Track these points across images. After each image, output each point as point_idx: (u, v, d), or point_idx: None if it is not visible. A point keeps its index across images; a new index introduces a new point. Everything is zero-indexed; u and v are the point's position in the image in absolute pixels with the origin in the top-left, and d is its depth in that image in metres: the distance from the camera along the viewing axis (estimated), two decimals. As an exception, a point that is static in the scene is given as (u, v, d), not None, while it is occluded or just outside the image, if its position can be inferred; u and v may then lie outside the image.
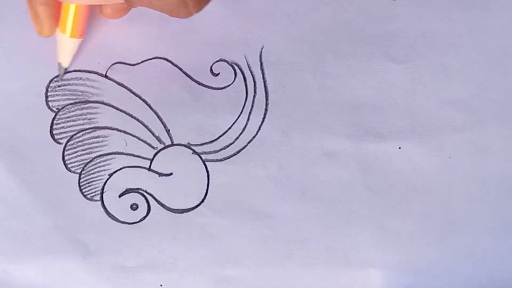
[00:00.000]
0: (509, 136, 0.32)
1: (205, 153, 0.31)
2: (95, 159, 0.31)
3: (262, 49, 0.31)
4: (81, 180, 0.31)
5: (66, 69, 0.31)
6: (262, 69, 0.31)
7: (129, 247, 0.31)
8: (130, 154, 0.31)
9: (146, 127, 0.31)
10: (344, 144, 0.31)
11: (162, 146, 0.31)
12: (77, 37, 0.29)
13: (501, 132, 0.32)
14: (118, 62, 0.31)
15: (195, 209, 0.31)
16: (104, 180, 0.31)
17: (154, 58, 0.31)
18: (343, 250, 0.31)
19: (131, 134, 0.31)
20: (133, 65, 0.31)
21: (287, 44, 0.31)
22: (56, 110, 0.31)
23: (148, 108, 0.31)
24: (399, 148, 0.31)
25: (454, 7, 0.32)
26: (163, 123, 0.31)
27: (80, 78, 0.31)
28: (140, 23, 0.31)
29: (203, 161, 0.31)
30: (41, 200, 0.31)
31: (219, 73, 0.31)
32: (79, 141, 0.31)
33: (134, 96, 0.31)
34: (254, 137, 0.31)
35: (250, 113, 0.31)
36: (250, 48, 0.31)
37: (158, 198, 0.31)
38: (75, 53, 0.30)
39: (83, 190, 0.31)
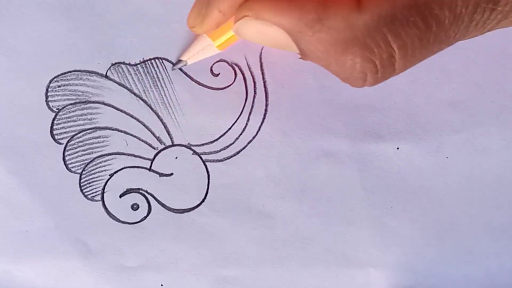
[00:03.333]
0: (507, 137, 0.32)
1: (205, 153, 0.31)
2: (95, 159, 0.31)
3: (262, 49, 0.31)
4: (82, 180, 0.31)
5: (183, 65, 0.30)
6: (262, 70, 0.31)
7: (130, 247, 0.31)
8: (130, 155, 0.31)
9: (147, 127, 0.31)
10: (344, 144, 0.32)
11: (163, 146, 0.31)
12: (221, 49, 0.28)
13: (499, 132, 0.32)
14: (118, 62, 0.31)
15: (196, 209, 0.31)
16: (104, 180, 0.31)
17: (154, 58, 0.31)
18: (342, 250, 0.31)
19: (131, 135, 0.31)
20: (134, 65, 0.31)
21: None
22: (57, 110, 0.31)
23: (149, 109, 0.31)
24: (398, 148, 0.32)
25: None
26: (163, 123, 0.31)
27: (81, 78, 0.31)
28: (140, 22, 0.31)
29: (203, 162, 0.31)
30: (41, 201, 0.31)
31: (219, 74, 0.31)
32: (80, 142, 0.31)
33: (135, 96, 0.31)
34: (254, 137, 0.31)
35: (250, 113, 0.31)
36: (250, 49, 0.31)
37: (158, 198, 0.31)
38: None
39: (84, 190, 0.31)
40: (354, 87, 0.24)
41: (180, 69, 0.31)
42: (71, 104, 0.31)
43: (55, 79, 0.31)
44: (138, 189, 0.31)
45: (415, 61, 0.23)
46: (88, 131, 0.31)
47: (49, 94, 0.31)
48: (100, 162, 0.31)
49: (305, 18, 0.22)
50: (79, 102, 0.31)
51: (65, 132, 0.31)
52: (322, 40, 0.22)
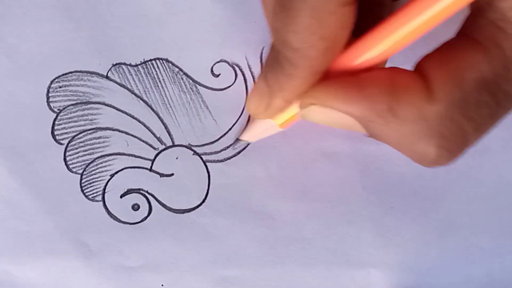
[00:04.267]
0: (507, 137, 0.32)
1: (206, 154, 0.31)
2: (96, 160, 0.31)
3: (263, 50, 0.31)
4: (83, 181, 0.31)
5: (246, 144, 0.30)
6: (262, 70, 0.32)
7: (131, 247, 0.31)
8: (131, 155, 0.31)
9: (147, 128, 0.31)
10: (344, 144, 0.32)
11: (163, 147, 0.31)
12: (283, 128, 0.27)
13: (498, 133, 0.32)
14: (119, 63, 0.31)
15: (196, 209, 0.31)
16: (105, 181, 0.31)
17: (155, 59, 0.31)
18: (343, 250, 0.31)
19: (132, 135, 0.31)
20: (134, 66, 0.31)
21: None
22: (58, 111, 0.31)
23: (149, 109, 0.31)
24: (398, 148, 0.32)
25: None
26: (164, 124, 0.31)
27: (81, 79, 0.31)
28: (141, 23, 0.31)
29: (204, 162, 0.31)
30: (42, 201, 0.31)
31: (219, 74, 0.31)
32: (81, 142, 0.31)
33: (135, 97, 0.31)
34: (254, 138, 0.31)
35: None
36: (251, 49, 0.31)
37: (159, 199, 0.31)
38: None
39: (85, 191, 0.31)
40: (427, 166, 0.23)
41: (181, 69, 0.31)
42: (72, 104, 0.31)
43: (56, 80, 0.31)
44: (139, 189, 0.31)
45: (486, 133, 0.23)
46: (89, 132, 0.31)
47: (50, 94, 0.31)
48: (101, 163, 0.31)
49: (376, 109, 0.21)
50: (80, 103, 0.31)
51: (66, 133, 0.31)
52: (394, 129, 0.22)
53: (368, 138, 0.31)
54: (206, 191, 0.31)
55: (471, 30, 0.23)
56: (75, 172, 0.31)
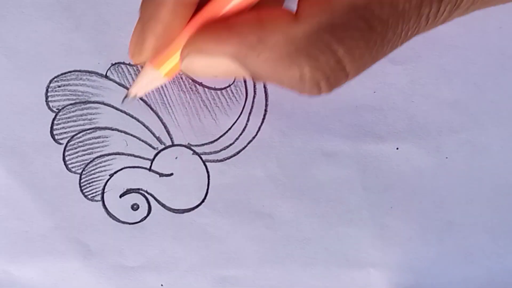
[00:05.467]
0: (507, 137, 0.32)
1: (205, 153, 0.31)
2: (95, 160, 0.31)
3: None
4: (82, 181, 0.31)
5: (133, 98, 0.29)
6: (262, 70, 0.32)
7: (130, 247, 0.31)
8: (130, 155, 0.31)
9: (147, 127, 0.31)
10: (343, 144, 0.32)
11: (163, 146, 0.31)
12: (169, 78, 0.27)
13: (498, 133, 0.32)
14: (118, 63, 0.31)
15: (196, 209, 0.31)
16: (104, 181, 0.31)
17: (154, 58, 0.31)
18: (342, 250, 0.31)
19: (131, 135, 0.31)
20: (133, 65, 0.31)
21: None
22: (57, 111, 0.31)
23: (149, 109, 0.31)
24: (397, 148, 0.32)
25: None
26: (163, 123, 0.31)
27: (80, 79, 0.31)
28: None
29: (203, 162, 0.31)
30: (41, 201, 0.31)
31: (219, 74, 0.31)
32: (80, 142, 0.31)
33: (135, 96, 0.31)
34: (254, 137, 0.31)
35: (250, 113, 0.31)
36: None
37: (158, 198, 0.31)
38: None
39: (84, 191, 0.31)
40: (312, 97, 0.24)
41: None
42: (71, 104, 0.31)
43: (55, 79, 0.31)
44: (138, 189, 0.31)
45: (367, 62, 0.23)
46: (88, 131, 0.31)
47: (49, 94, 0.31)
48: (100, 162, 0.31)
49: (246, 41, 0.22)
50: (79, 102, 0.31)
51: (65, 132, 0.31)
52: (267, 59, 0.22)
53: (368, 138, 0.31)
54: (205, 191, 0.31)
55: None
56: (74, 172, 0.31)
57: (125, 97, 0.27)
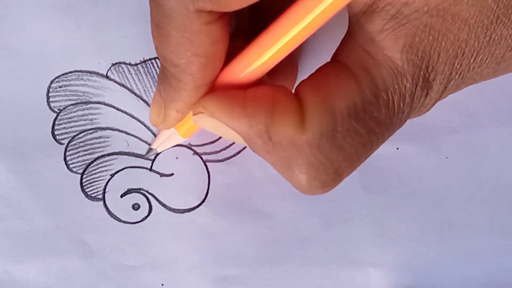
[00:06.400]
0: (506, 137, 0.32)
1: (205, 153, 0.31)
2: (97, 160, 0.31)
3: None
4: (83, 181, 0.31)
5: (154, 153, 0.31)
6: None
7: (131, 247, 0.31)
8: (131, 155, 0.31)
9: (147, 127, 0.31)
10: (343, 144, 0.32)
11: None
12: (186, 137, 0.28)
13: (497, 132, 0.32)
14: (119, 63, 0.31)
15: (196, 209, 0.31)
16: (106, 180, 0.31)
17: (155, 58, 0.31)
18: (342, 250, 0.31)
19: (132, 135, 0.31)
20: (134, 65, 0.31)
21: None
22: (58, 111, 0.31)
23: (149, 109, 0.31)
24: (397, 148, 0.32)
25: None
26: (164, 123, 0.31)
27: (81, 79, 0.31)
28: (140, 22, 0.31)
29: (204, 162, 0.31)
30: (43, 201, 0.31)
31: (219, 74, 0.31)
32: (81, 142, 0.31)
33: (135, 96, 0.31)
34: (254, 137, 0.31)
35: (250, 113, 0.32)
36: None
37: (159, 198, 0.31)
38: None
39: (85, 190, 0.31)
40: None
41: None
42: (72, 104, 0.31)
43: (56, 80, 0.31)
44: (139, 189, 0.31)
45: (362, 161, 0.24)
46: (89, 132, 0.31)
47: (50, 94, 0.31)
48: (101, 162, 0.31)
49: (255, 129, 0.22)
50: (80, 103, 0.31)
51: (66, 133, 0.31)
52: (270, 152, 0.22)
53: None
54: (206, 191, 0.31)
55: (343, 56, 0.23)
56: (76, 172, 0.31)
57: (147, 152, 0.31)
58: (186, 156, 0.31)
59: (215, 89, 0.24)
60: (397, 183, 0.32)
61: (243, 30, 0.25)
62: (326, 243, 0.31)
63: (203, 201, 0.31)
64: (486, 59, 0.23)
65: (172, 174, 0.31)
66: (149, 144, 0.31)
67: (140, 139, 0.31)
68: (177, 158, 0.31)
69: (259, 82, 0.24)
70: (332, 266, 0.31)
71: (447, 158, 0.32)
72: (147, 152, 0.31)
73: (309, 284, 0.31)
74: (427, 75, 0.22)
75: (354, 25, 0.23)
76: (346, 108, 0.22)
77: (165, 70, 0.24)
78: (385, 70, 0.22)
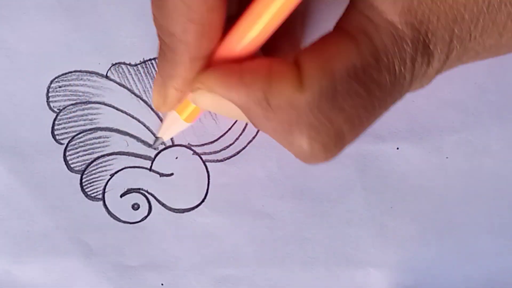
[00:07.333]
0: (507, 137, 0.32)
1: (205, 153, 0.31)
2: (96, 160, 0.31)
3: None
4: (83, 180, 0.31)
5: (163, 143, 0.31)
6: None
7: (131, 247, 0.31)
8: (131, 155, 0.31)
9: (147, 127, 0.31)
10: (344, 144, 0.32)
11: (163, 146, 0.31)
12: (190, 122, 0.28)
13: (498, 132, 0.32)
14: (119, 63, 0.31)
15: (196, 209, 0.31)
16: (105, 180, 0.31)
17: (154, 58, 0.31)
18: (342, 250, 0.31)
19: (132, 135, 0.31)
20: (134, 65, 0.31)
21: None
22: (57, 111, 0.31)
23: (149, 109, 0.31)
24: (397, 148, 0.32)
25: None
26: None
27: (81, 79, 0.31)
28: (140, 23, 0.31)
29: (204, 162, 0.31)
30: (43, 201, 0.31)
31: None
32: (81, 142, 0.31)
33: (135, 96, 0.31)
34: (253, 137, 0.31)
35: (250, 113, 0.32)
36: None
37: (159, 198, 0.31)
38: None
39: (85, 190, 0.31)
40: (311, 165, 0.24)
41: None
42: (72, 104, 0.31)
43: (56, 80, 0.31)
44: (139, 189, 0.31)
45: (366, 126, 0.23)
46: (89, 132, 0.31)
47: (50, 94, 0.31)
48: (101, 162, 0.31)
49: (253, 96, 0.22)
50: (80, 103, 0.31)
51: (66, 133, 0.31)
52: (269, 118, 0.22)
53: (368, 138, 0.31)
54: (205, 191, 0.31)
55: (344, 23, 0.23)
56: (76, 172, 0.31)
57: (155, 142, 0.31)
58: (185, 156, 0.31)
59: (212, 66, 0.24)
60: (397, 183, 0.32)
61: (233, 15, 0.25)
62: (326, 243, 0.31)
63: (203, 201, 0.31)
64: (487, 27, 0.23)
65: (172, 174, 0.31)
66: (154, 137, 0.31)
67: (140, 139, 0.31)
68: (176, 158, 0.31)
69: (255, 57, 0.24)
70: (332, 266, 0.31)
71: (447, 158, 0.32)
72: (154, 142, 0.31)
73: (309, 284, 0.31)
74: (427, 41, 0.22)
75: None
76: (346, 70, 0.22)
77: (162, 44, 0.24)
78: (385, 33, 0.22)
